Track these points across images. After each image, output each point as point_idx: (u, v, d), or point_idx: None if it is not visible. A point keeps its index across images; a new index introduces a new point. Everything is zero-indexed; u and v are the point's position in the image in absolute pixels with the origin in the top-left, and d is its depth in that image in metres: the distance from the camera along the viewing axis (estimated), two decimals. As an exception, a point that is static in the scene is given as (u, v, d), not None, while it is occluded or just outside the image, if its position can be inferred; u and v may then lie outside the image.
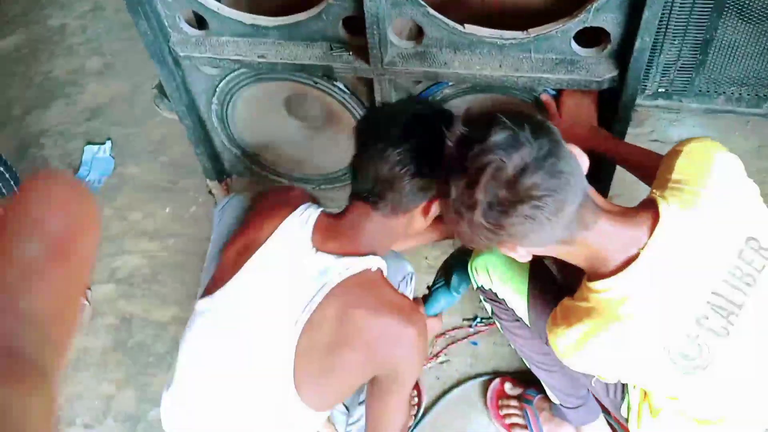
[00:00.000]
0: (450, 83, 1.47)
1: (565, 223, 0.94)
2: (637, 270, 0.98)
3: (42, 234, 0.26)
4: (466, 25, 1.37)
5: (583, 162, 0.99)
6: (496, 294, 1.34)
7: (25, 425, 0.23)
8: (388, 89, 1.50)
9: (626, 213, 1.02)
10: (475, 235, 0.96)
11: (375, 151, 1.12)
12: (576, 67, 1.35)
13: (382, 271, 1.17)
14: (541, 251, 1.03)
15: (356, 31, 1.41)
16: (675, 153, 1.09)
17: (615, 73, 1.34)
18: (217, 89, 1.64)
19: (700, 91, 2.00)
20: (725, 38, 1.85)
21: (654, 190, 1.05)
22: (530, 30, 1.35)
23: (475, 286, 1.40)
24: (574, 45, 1.34)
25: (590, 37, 1.34)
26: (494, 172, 0.89)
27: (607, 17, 1.27)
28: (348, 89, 1.57)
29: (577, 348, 1.03)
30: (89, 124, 2.32)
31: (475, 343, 1.68)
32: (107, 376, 1.72)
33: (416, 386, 1.64)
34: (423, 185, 1.13)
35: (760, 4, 1.75)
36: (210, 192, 1.97)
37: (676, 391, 1.07)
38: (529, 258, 1.04)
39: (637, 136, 2.05)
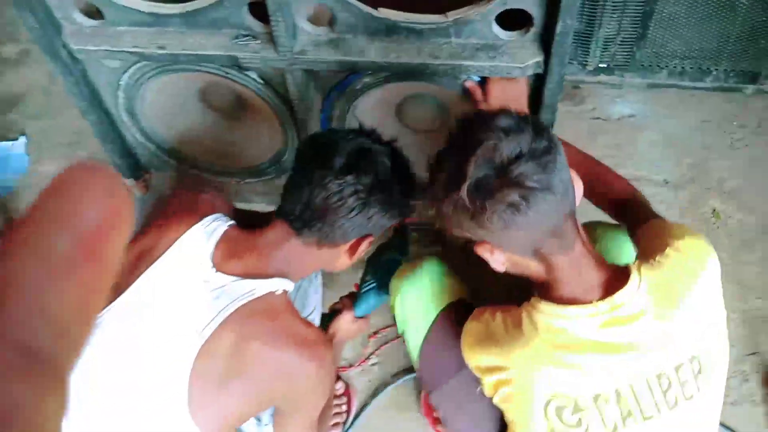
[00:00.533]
0: (369, 72, 1.36)
1: (546, 230, 0.91)
2: (583, 313, 0.94)
3: (74, 228, 0.25)
4: (380, 8, 1.27)
5: (578, 186, 0.96)
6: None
7: (37, 424, 0.23)
8: (303, 80, 1.39)
9: (600, 258, 1.00)
10: (457, 218, 0.92)
11: (313, 176, 1.04)
12: (498, 53, 1.26)
13: (287, 294, 1.09)
14: (517, 262, 0.98)
15: (266, 18, 1.29)
16: (668, 237, 1.02)
17: (540, 58, 1.25)
18: (122, 82, 1.51)
19: (642, 65, 1.93)
20: (666, 10, 1.77)
21: (635, 263, 0.99)
22: (449, 13, 1.25)
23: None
24: (495, 28, 1.25)
25: (516, 23, 1.25)
26: (489, 150, 0.88)
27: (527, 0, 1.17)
28: (263, 79, 1.45)
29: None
30: (5, 118, 2.16)
31: (409, 342, 1.60)
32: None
33: (345, 392, 1.58)
34: (357, 223, 1.06)
35: (700, -27, 1.66)
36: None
37: None
38: (502, 268, 0.99)
39: (579, 113, 1.97)
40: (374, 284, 1.40)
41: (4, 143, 2.08)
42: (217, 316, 1.00)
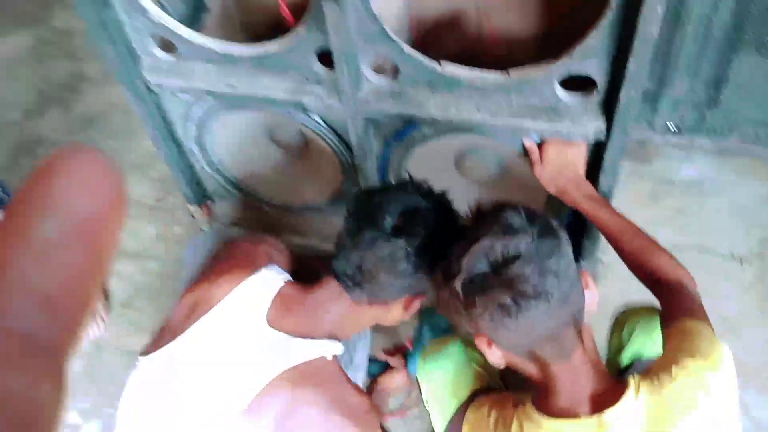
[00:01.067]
0: (427, 123, 1.38)
1: (540, 336, 0.89)
2: (569, 429, 0.91)
3: (63, 213, 0.25)
4: (443, 63, 1.28)
5: (592, 296, 0.94)
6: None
7: (32, 412, 0.23)
8: (363, 127, 1.41)
9: (600, 368, 0.96)
10: (452, 308, 0.92)
11: (364, 237, 1.05)
12: (559, 116, 1.25)
13: (337, 359, 1.10)
14: (513, 361, 0.96)
15: (333, 64, 1.33)
16: (682, 350, 0.95)
17: (602, 124, 1.23)
18: (193, 115, 1.58)
19: (713, 128, 1.86)
20: (741, 74, 1.71)
21: (636, 377, 0.93)
22: (511, 71, 1.25)
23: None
24: (558, 89, 1.24)
25: (580, 85, 1.24)
26: (487, 247, 0.88)
27: (591, 63, 1.16)
28: (325, 122, 1.49)
29: None
30: (83, 135, 2.29)
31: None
32: (74, 405, 1.69)
33: None
34: (408, 283, 1.07)
35: (781, 40, 1.61)
36: (192, 216, 1.92)
37: None
38: (502, 364, 0.97)
39: (643, 172, 1.93)
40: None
41: (81, 159, 2.19)
42: (268, 374, 1.01)
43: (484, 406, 1.04)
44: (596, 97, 1.22)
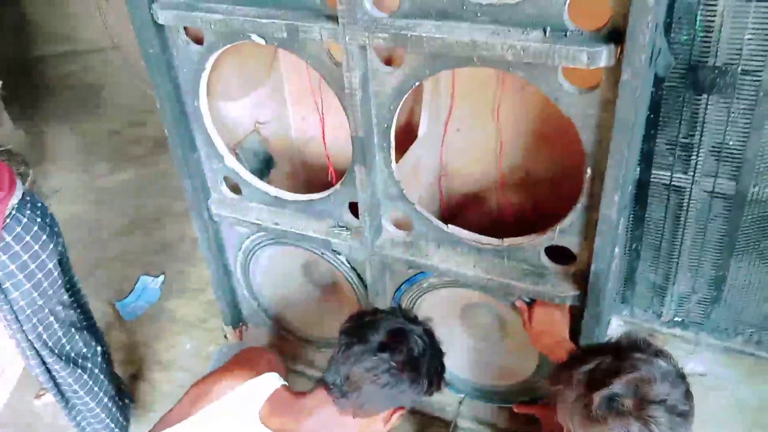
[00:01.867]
0: (434, 274, 1.59)
1: None
2: None
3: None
4: (449, 225, 1.52)
5: None
6: None
7: None
8: (379, 270, 1.63)
9: None
10: (573, 411, 1.00)
11: (353, 351, 1.19)
12: (543, 280, 1.43)
13: None
14: None
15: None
16: None
17: (577, 292, 1.40)
18: (243, 245, 1.86)
19: (717, 326, 1.96)
20: (739, 277, 1.84)
21: None
22: (505, 239, 1.47)
23: None
24: (543, 258, 1.43)
25: (568, 257, 1.43)
26: (644, 379, 0.96)
27: (571, 240, 1.36)
28: (349, 263, 1.72)
29: None
30: (154, 257, 2.62)
31: None
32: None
33: None
34: (390, 395, 1.19)
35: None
36: (225, 336, 2.13)
37: None
38: None
39: (650, 360, 2.00)
40: None
41: (146, 276, 2.50)
42: None
43: None
44: (575, 268, 1.40)
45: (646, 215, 1.84)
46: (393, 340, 1.20)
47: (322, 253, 1.74)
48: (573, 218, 1.33)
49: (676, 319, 2.01)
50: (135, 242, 2.73)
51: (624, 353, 1.02)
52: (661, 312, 2.01)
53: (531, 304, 1.51)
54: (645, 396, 0.95)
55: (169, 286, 2.47)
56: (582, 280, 1.40)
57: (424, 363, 1.23)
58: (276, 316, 2.05)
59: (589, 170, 1.22)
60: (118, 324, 2.31)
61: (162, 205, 2.93)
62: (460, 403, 1.85)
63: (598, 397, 0.97)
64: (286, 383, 1.32)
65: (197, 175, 1.74)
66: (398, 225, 1.62)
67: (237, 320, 2.09)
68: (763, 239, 1.74)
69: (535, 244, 1.42)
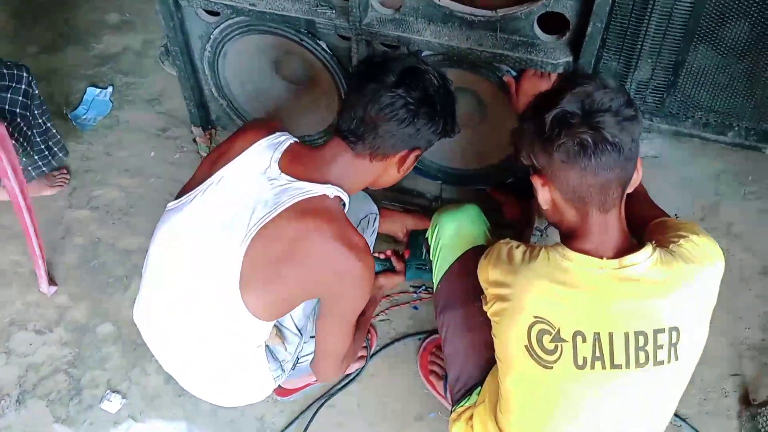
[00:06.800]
0: (424, 52, 1.57)
1: (596, 184, 1.04)
2: (592, 262, 1.07)
3: None
4: (441, -1, 1.48)
5: (638, 175, 1.11)
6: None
7: None
8: (364, 51, 1.60)
9: (627, 233, 1.12)
10: (531, 140, 1.08)
11: (367, 91, 1.18)
12: (535, 49, 1.46)
13: (341, 201, 1.24)
14: (558, 205, 1.11)
15: (344, -8, 1.52)
16: (684, 230, 1.15)
17: (569, 58, 1.44)
18: (211, 36, 1.75)
19: (670, 112, 2.09)
20: (695, 63, 1.94)
21: (652, 240, 1.11)
22: (499, 10, 1.46)
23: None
24: (536, 29, 1.44)
25: (557, 27, 1.45)
26: (585, 93, 1.02)
27: (566, 4, 1.37)
28: (330, 50, 1.68)
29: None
30: (97, 70, 2.45)
31: (416, 308, 1.76)
32: (66, 290, 1.81)
33: (369, 331, 1.73)
34: (406, 133, 1.20)
35: (730, 36, 1.85)
36: (194, 140, 2.08)
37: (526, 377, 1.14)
38: (545, 206, 1.13)
39: (606, 148, 2.14)
40: (421, 263, 1.60)
41: (93, 88, 2.35)
42: (278, 207, 1.17)
43: (510, 243, 1.17)
44: (567, 36, 1.43)
45: (615, 1, 1.86)
46: (408, 78, 1.20)
47: (301, 39, 1.67)
48: (571, -20, 1.33)
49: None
50: (72, 56, 2.52)
51: (566, 79, 1.11)
52: (620, 101, 2.11)
53: (518, 78, 1.54)
54: (591, 106, 1.03)
55: (120, 98, 2.34)
56: (574, 47, 1.43)
57: (439, 101, 1.24)
58: (245, 116, 2.00)
59: None
60: (74, 134, 2.19)
61: (94, 19, 2.68)
62: (441, 189, 1.93)
63: (549, 117, 1.04)
64: (297, 139, 1.32)
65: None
66: (386, 4, 1.57)
67: (206, 122, 2.02)
68: (722, 26, 1.82)
69: (528, 12, 1.42)
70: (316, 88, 1.85)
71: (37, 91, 1.79)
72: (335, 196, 1.23)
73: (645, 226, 1.24)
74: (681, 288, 1.06)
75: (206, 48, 1.80)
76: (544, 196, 1.12)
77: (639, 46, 1.97)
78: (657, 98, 2.08)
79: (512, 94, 1.54)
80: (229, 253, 1.16)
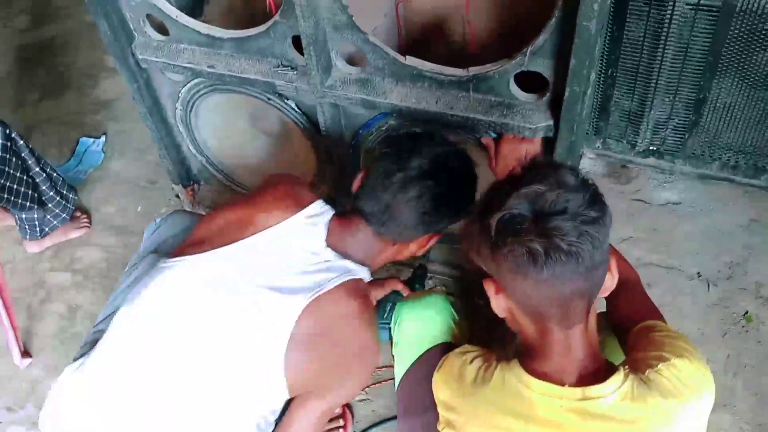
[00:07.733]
0: (394, 114, 1.43)
1: (553, 297, 0.88)
2: (553, 392, 0.91)
3: None
4: (407, 57, 1.34)
5: (611, 281, 0.94)
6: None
7: None
8: (332, 113, 1.47)
9: (596, 353, 0.95)
10: (476, 244, 0.92)
11: (394, 179, 1.15)
12: (512, 112, 1.30)
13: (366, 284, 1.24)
14: (515, 315, 0.96)
15: (304, 50, 1.39)
16: (666, 350, 0.95)
17: (550, 122, 1.27)
18: (180, 95, 1.66)
19: (693, 153, 1.87)
20: (720, 99, 1.72)
21: (626, 363, 0.95)
22: (470, 68, 1.30)
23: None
24: (513, 87, 1.28)
25: (540, 85, 1.28)
26: (536, 194, 0.86)
27: (543, 62, 1.21)
28: (299, 108, 1.55)
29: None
30: (92, 117, 2.40)
31: (399, 386, 1.61)
32: (40, 361, 1.75)
33: (344, 414, 1.60)
34: (431, 221, 1.19)
35: (760, 64, 1.62)
36: (177, 196, 1.99)
37: None
38: (502, 314, 0.97)
39: (622, 192, 1.94)
40: (384, 322, 1.46)
41: (86, 139, 2.30)
42: (327, 284, 1.13)
43: (468, 354, 1.04)
44: (547, 96, 1.26)
45: (624, 35, 1.67)
46: (437, 167, 1.17)
47: (268, 99, 1.56)
48: (546, 36, 1.16)
49: (651, 148, 1.91)
50: (69, 102, 2.49)
51: (517, 176, 0.91)
52: (636, 142, 1.90)
53: (498, 139, 1.38)
54: (542, 208, 0.84)
55: (112, 147, 2.28)
56: (555, 108, 1.26)
57: (465, 191, 1.21)
58: (227, 171, 1.90)
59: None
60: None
61: (92, 61, 2.64)
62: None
63: (494, 220, 0.86)
64: (334, 211, 1.26)
65: (114, 13, 1.50)
66: (351, 61, 1.43)
67: (187, 178, 1.94)
68: (749, 56, 1.60)
69: (503, 71, 1.26)
70: (292, 142, 1.73)
71: (22, 142, 1.73)
72: (365, 280, 1.22)
73: (630, 329, 1.06)
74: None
75: (177, 107, 1.71)
76: (499, 303, 0.95)
77: (654, 83, 1.76)
78: (678, 138, 1.87)
79: (491, 158, 1.38)
80: (280, 321, 1.10)
